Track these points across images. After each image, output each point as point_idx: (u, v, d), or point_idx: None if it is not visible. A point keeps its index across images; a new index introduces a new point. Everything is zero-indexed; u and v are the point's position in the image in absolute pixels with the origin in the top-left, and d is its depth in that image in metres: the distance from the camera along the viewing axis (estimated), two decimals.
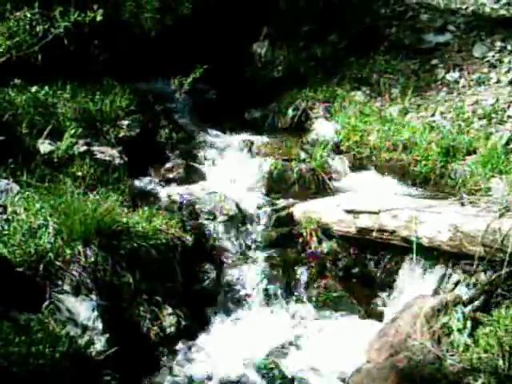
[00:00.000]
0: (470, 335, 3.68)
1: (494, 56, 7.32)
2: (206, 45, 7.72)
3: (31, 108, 5.45)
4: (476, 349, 3.56)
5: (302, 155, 6.08)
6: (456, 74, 7.28)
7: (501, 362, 3.36)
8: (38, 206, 4.32)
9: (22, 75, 5.49)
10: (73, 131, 5.36)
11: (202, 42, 7.74)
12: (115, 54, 6.86)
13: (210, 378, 4.02)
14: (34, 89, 5.61)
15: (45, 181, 4.71)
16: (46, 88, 5.74)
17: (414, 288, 4.59)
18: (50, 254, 3.99)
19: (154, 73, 7.36)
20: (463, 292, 4.25)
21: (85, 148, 5.38)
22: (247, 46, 8.58)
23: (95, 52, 6.75)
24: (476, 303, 4.00)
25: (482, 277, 4.28)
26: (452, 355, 3.58)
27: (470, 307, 3.94)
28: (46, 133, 5.17)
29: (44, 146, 5.16)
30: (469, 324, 3.75)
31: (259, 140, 6.56)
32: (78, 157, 5.20)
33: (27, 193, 4.50)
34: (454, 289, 4.38)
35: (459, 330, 3.73)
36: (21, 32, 4.95)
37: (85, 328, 3.83)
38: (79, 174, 5.02)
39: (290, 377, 4.04)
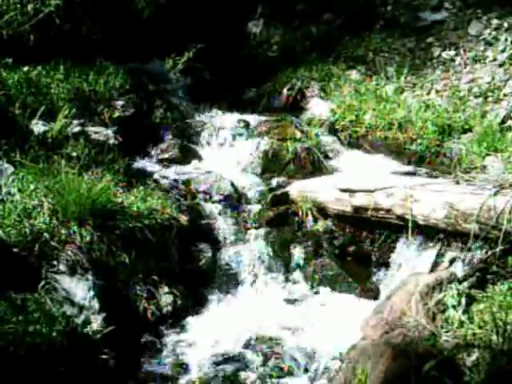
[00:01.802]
0: (465, 312, 3.70)
1: (490, 34, 7.27)
2: (201, 24, 7.65)
3: (24, 88, 5.41)
4: (470, 325, 3.58)
5: (298, 134, 6.06)
6: (452, 52, 7.24)
7: (495, 338, 3.37)
8: (32, 186, 4.31)
9: (13, 55, 5.44)
10: (66, 111, 5.32)
11: (196, 22, 7.67)
12: (108, 34, 6.79)
13: (206, 357, 4.04)
14: (25, 68, 5.55)
15: (39, 161, 4.67)
16: (39, 68, 5.69)
17: (410, 266, 4.61)
18: (46, 235, 3.99)
19: (148, 53, 7.29)
20: (458, 269, 4.26)
21: (79, 128, 5.35)
22: (242, 25, 8.50)
23: (88, 32, 6.68)
24: (471, 280, 4.02)
25: (477, 254, 4.29)
26: (447, 331, 3.60)
27: (464, 284, 3.95)
28: (39, 113, 5.13)
29: (38, 127, 5.12)
30: (463, 301, 3.76)
31: (254, 120, 6.52)
32: (72, 137, 5.17)
33: (21, 173, 4.48)
34: (449, 266, 4.39)
35: (454, 307, 3.75)
36: (11, 10, 4.89)
37: (81, 307, 3.84)
38: (74, 154, 4.99)
39: (286, 355, 4.06)
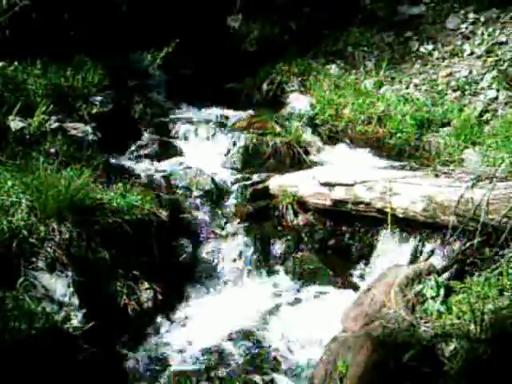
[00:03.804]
0: (443, 303, 3.74)
1: (467, 28, 7.35)
2: (180, 19, 7.63)
3: (0, 84, 5.34)
4: (449, 316, 3.63)
5: (277, 129, 6.07)
6: (430, 46, 7.31)
7: (472, 327, 3.42)
8: (10, 183, 4.26)
9: None
10: (44, 108, 5.26)
11: (176, 17, 7.64)
12: (87, 29, 6.74)
13: (187, 351, 4.04)
14: (1, 64, 5.47)
15: (17, 158, 4.61)
16: (15, 63, 5.61)
17: (390, 258, 4.65)
18: (24, 232, 3.94)
19: (127, 48, 7.24)
20: (437, 261, 4.31)
21: (57, 124, 5.29)
22: (222, 20, 8.49)
23: (66, 26, 6.62)
24: (449, 272, 4.07)
25: (456, 246, 4.34)
26: (426, 322, 3.64)
27: (443, 276, 4.00)
28: (16, 109, 5.06)
29: (15, 123, 5.06)
30: (442, 292, 3.80)
31: (234, 114, 6.53)
32: (50, 133, 5.11)
33: None
34: (428, 258, 4.44)
35: (433, 298, 3.79)
36: None
37: (61, 304, 3.82)
38: (52, 150, 4.93)
39: (267, 347, 4.08)
